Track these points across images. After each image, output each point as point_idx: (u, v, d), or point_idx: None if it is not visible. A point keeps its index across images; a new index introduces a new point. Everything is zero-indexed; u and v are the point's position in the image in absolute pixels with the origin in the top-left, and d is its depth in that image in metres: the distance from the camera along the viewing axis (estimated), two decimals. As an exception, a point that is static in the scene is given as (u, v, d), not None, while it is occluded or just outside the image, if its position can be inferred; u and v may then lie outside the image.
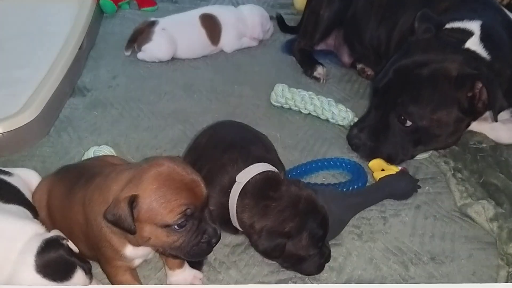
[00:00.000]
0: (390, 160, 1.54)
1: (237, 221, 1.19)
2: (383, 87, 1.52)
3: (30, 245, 1.01)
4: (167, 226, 0.97)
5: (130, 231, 0.97)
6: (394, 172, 1.48)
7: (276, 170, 1.24)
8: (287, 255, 1.16)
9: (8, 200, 1.14)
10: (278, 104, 1.87)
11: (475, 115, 1.50)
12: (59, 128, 1.73)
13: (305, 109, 1.82)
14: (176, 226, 0.98)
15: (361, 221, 1.41)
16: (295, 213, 1.15)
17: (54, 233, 1.07)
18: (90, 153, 1.47)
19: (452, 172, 1.56)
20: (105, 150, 1.48)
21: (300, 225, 1.14)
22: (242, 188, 1.18)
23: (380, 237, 1.37)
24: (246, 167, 1.20)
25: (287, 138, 1.73)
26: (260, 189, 1.18)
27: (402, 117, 1.49)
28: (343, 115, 1.76)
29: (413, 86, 1.46)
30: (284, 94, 1.84)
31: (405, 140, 1.52)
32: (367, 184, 1.52)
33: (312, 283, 1.24)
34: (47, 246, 1.02)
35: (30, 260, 0.99)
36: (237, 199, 1.18)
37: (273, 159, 1.31)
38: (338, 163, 1.59)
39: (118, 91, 1.95)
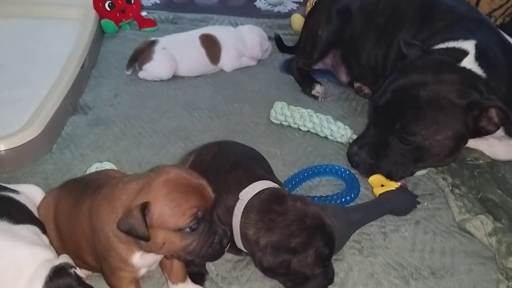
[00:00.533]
0: (390, 177, 1.56)
1: (241, 239, 1.18)
2: (382, 106, 1.54)
3: (38, 273, 1.01)
4: (180, 230, 1.00)
5: (144, 238, 0.98)
6: (394, 188, 1.50)
7: (279, 187, 1.24)
8: (291, 273, 1.13)
9: (18, 221, 1.14)
10: (278, 122, 1.89)
11: (479, 135, 1.50)
12: (61, 145, 1.75)
13: (304, 126, 1.84)
14: (188, 229, 1.00)
15: (361, 236, 1.42)
16: (302, 228, 1.12)
17: (63, 259, 1.07)
18: (92, 170, 1.48)
19: (450, 188, 1.58)
20: (107, 167, 1.49)
21: (307, 241, 1.12)
22: (246, 205, 1.17)
23: (381, 252, 1.38)
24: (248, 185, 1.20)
25: (287, 155, 1.75)
26: (264, 203, 1.16)
27: (403, 137, 1.49)
28: (342, 132, 1.79)
29: (414, 106, 1.47)
30: (283, 112, 1.86)
31: (405, 158, 1.53)
32: (360, 192, 1.56)
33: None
34: (55, 275, 1.02)
35: None
36: (241, 216, 1.17)
37: (276, 180, 1.31)
38: (333, 170, 1.64)
39: (120, 109, 1.97)
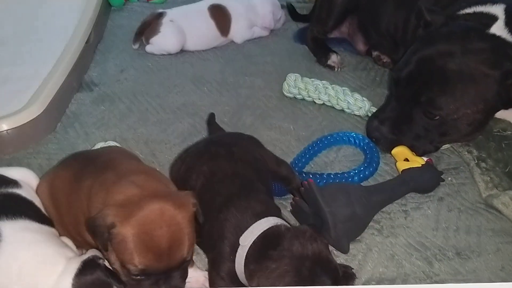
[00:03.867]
0: (413, 152, 1.47)
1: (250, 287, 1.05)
2: (405, 77, 1.43)
3: (69, 268, 1.00)
4: (126, 268, 0.96)
5: (102, 248, 0.97)
6: (419, 165, 1.40)
7: (280, 222, 1.07)
8: None
9: (39, 220, 1.10)
10: (291, 95, 1.81)
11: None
12: (65, 124, 1.69)
13: (319, 99, 1.76)
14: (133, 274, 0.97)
15: (381, 215, 1.34)
16: (297, 280, 0.95)
17: (91, 253, 1.05)
18: (96, 150, 1.42)
19: (476, 162, 1.49)
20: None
21: None
22: (247, 252, 1.03)
23: (402, 232, 1.30)
24: (247, 226, 1.05)
25: (300, 129, 1.67)
26: (260, 249, 1.02)
27: (429, 111, 1.40)
28: (359, 104, 1.70)
29: (442, 78, 1.36)
30: (297, 84, 1.77)
31: (430, 133, 1.44)
32: (379, 168, 1.47)
33: None
34: (85, 267, 1.00)
35: (67, 283, 0.97)
36: (244, 265, 1.03)
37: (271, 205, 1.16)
38: (350, 138, 1.56)
39: (126, 85, 1.91)
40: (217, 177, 1.17)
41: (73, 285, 0.96)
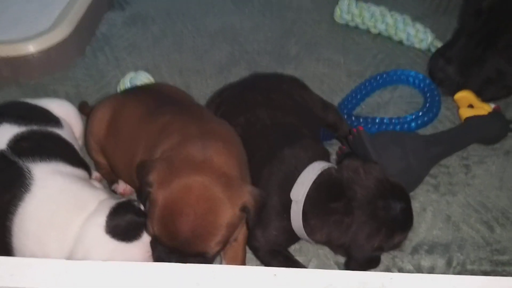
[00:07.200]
0: (480, 96, 1.30)
1: (312, 240, 0.98)
2: (484, 9, 1.24)
3: (102, 206, 0.94)
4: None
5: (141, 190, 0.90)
6: (485, 112, 1.23)
7: (326, 164, 0.97)
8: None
9: (74, 164, 1.03)
10: (343, 22, 1.63)
11: None
12: (95, 47, 1.57)
13: (375, 28, 1.58)
14: None
15: (438, 169, 1.20)
16: (378, 226, 0.91)
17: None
18: (126, 81, 1.30)
19: (553, 109, 1.31)
20: (143, 77, 1.30)
21: (388, 234, 0.92)
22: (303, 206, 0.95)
23: (461, 190, 1.17)
24: (295, 179, 0.96)
25: (352, 63, 1.50)
26: (319, 202, 0.93)
27: (509, 52, 1.22)
28: (421, 36, 1.51)
29: None
30: (350, 10, 1.59)
31: (504, 77, 1.26)
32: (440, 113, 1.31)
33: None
34: (119, 207, 0.94)
35: (100, 221, 0.91)
36: (302, 221, 0.95)
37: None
38: (409, 78, 1.41)
39: (161, 4, 1.76)
40: (255, 129, 1.05)
41: (106, 222, 0.91)
